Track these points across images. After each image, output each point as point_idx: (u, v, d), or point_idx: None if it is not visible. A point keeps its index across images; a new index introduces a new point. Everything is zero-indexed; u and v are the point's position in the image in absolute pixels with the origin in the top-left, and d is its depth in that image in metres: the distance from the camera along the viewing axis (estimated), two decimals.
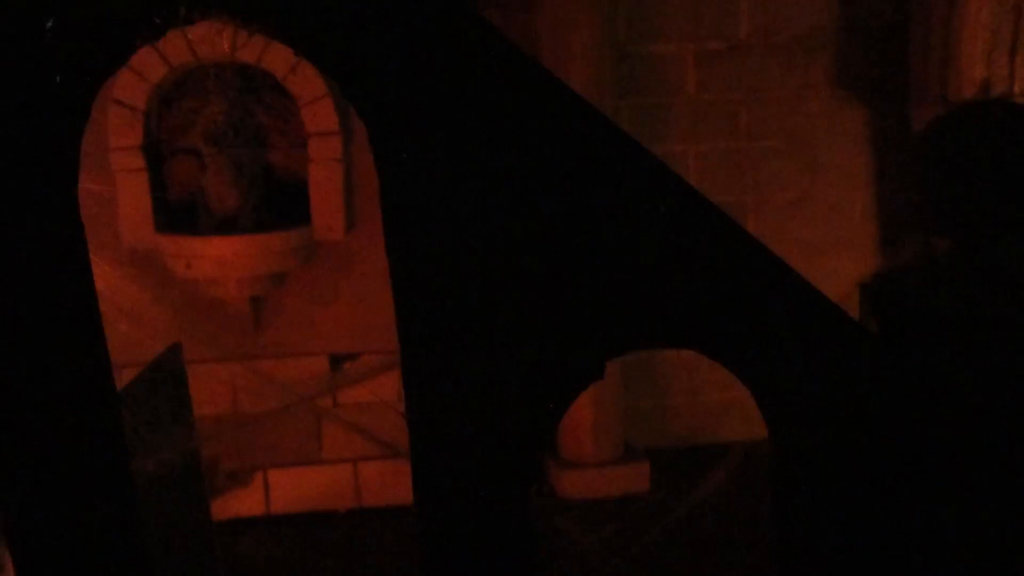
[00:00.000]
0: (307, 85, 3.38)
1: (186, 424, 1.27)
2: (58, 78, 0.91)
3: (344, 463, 3.74)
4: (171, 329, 3.51)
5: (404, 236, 1.01)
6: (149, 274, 3.48)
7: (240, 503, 3.68)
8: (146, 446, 1.13)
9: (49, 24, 0.88)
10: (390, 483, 3.70)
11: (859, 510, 1.10)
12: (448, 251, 1.00)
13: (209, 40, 3.35)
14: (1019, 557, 1.08)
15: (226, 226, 3.38)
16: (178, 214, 3.54)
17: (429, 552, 1.10)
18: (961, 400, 1.07)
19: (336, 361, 3.69)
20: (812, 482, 1.11)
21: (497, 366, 1.03)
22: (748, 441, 3.98)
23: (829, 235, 4.05)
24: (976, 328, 1.06)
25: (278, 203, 3.54)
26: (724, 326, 1.06)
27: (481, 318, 1.02)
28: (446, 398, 1.04)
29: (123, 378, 3.61)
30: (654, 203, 1.00)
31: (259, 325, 3.61)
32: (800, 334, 1.08)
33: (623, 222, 1.00)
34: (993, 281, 1.08)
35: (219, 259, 3.28)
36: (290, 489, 3.72)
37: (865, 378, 1.09)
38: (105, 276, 3.31)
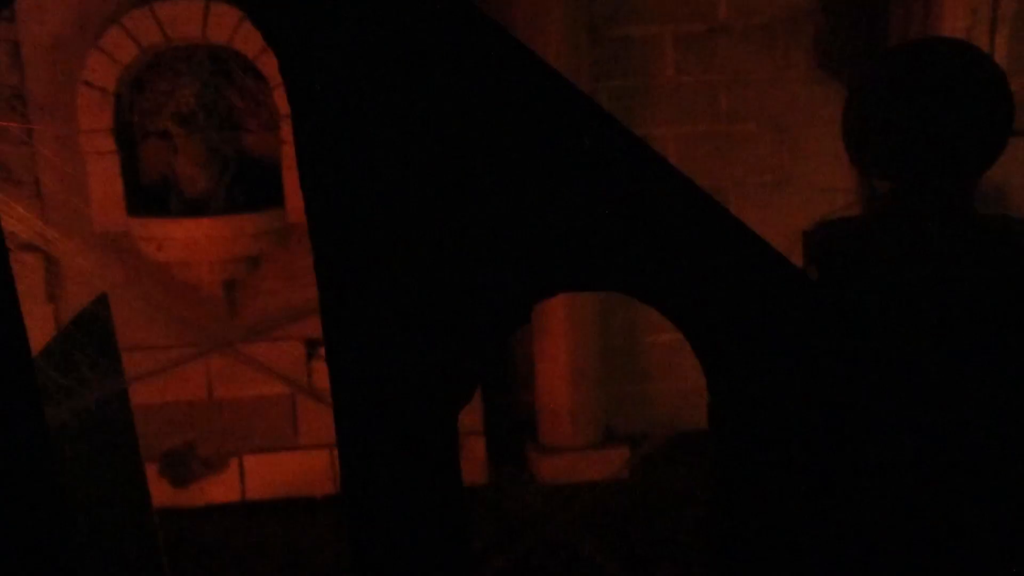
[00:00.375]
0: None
1: (113, 373, 1.24)
2: None
3: (321, 448, 3.70)
4: (144, 314, 3.47)
5: (321, 180, 0.97)
6: (121, 258, 3.45)
7: (215, 489, 3.65)
8: (65, 395, 1.11)
9: None
10: None
11: (798, 459, 1.07)
12: (369, 196, 0.97)
13: (180, 20, 3.32)
14: (958, 505, 1.05)
15: (198, 208, 3.34)
16: (151, 198, 3.51)
17: (354, 513, 1.07)
18: (898, 346, 1.04)
19: (312, 345, 3.66)
20: (750, 430, 1.08)
21: (420, 312, 1.00)
22: None
23: (811, 217, 4.01)
24: (913, 270, 1.03)
25: (252, 186, 3.50)
26: (657, 268, 1.03)
27: (402, 262, 0.98)
28: (368, 349, 1.01)
29: None
30: (578, 137, 0.97)
31: (234, 309, 3.57)
32: (737, 277, 1.05)
33: (547, 157, 0.97)
34: (931, 222, 1.06)
35: (190, 241, 3.25)
36: (266, 475, 3.69)
37: (804, 323, 1.06)
38: (76, 260, 3.28)
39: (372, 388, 1.02)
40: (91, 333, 1.19)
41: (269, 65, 3.36)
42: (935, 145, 1.02)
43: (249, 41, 3.32)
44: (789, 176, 4.07)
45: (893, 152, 1.05)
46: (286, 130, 3.44)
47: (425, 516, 1.06)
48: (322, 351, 3.49)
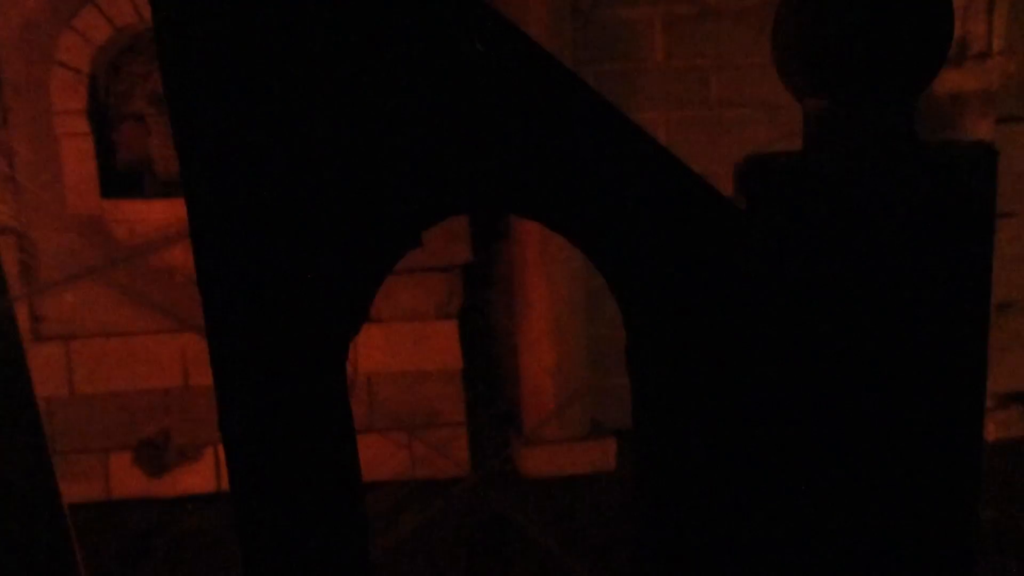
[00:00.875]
0: None
1: None
2: None
3: None
4: (117, 298, 3.41)
5: (191, 99, 0.90)
6: (95, 242, 3.39)
7: (191, 479, 3.58)
8: None
9: None
10: None
11: (721, 392, 0.98)
12: (241, 109, 0.89)
13: None
14: (894, 447, 0.95)
15: (172, 191, 3.28)
16: (127, 182, 3.45)
17: (233, 455, 0.98)
18: (831, 276, 0.95)
19: None
20: (671, 367, 0.99)
21: (300, 235, 0.92)
22: None
23: None
24: (849, 194, 0.94)
25: None
26: (565, 192, 0.94)
27: (278, 180, 0.90)
28: (246, 276, 0.92)
29: (72, 350, 3.46)
30: (470, 40, 0.89)
31: None
32: (654, 203, 0.96)
33: (435, 63, 0.88)
34: (868, 143, 0.96)
35: (162, 224, 3.18)
36: None
37: (730, 255, 0.97)
38: (49, 243, 3.22)
39: (250, 317, 0.93)
40: None
41: None
42: (872, 57, 0.93)
43: None
44: None
45: (826, 65, 0.95)
46: None
47: (312, 454, 0.97)
48: None
